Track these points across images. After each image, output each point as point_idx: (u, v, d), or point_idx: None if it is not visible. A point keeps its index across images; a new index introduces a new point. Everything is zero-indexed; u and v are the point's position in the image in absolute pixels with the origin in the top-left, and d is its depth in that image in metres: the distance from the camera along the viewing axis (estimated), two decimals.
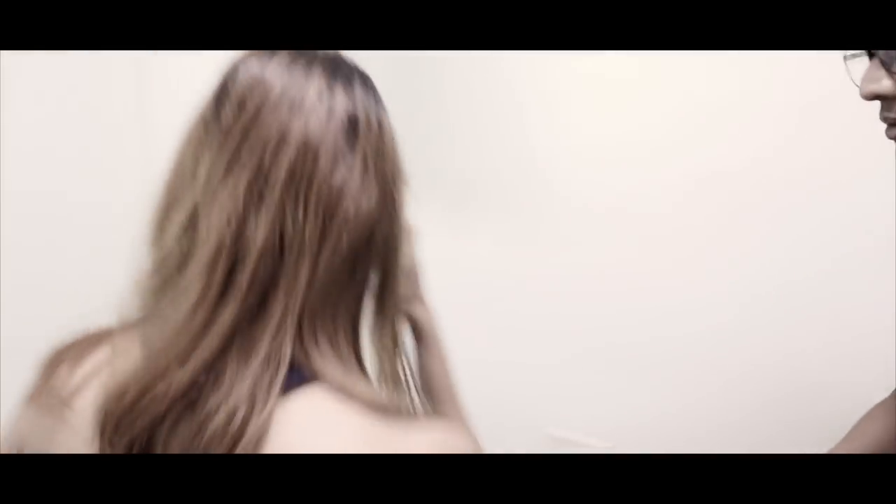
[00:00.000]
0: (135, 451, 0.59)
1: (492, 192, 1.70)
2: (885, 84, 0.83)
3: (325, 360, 0.61)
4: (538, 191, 1.68)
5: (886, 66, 0.82)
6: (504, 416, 1.50)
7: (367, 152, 0.63)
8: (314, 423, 0.60)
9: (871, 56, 0.84)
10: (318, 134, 0.61)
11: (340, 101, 0.63)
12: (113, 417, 0.59)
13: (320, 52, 0.66)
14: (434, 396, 0.86)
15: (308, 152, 0.60)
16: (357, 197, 0.61)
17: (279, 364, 0.59)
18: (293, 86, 0.62)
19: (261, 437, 0.57)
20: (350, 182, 0.61)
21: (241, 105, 0.62)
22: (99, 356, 0.66)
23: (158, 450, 0.58)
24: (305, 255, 0.60)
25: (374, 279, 0.66)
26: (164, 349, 0.60)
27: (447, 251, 1.49)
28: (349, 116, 0.62)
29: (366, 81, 0.67)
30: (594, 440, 1.50)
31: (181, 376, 0.58)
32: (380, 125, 0.65)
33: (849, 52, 0.86)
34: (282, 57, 0.64)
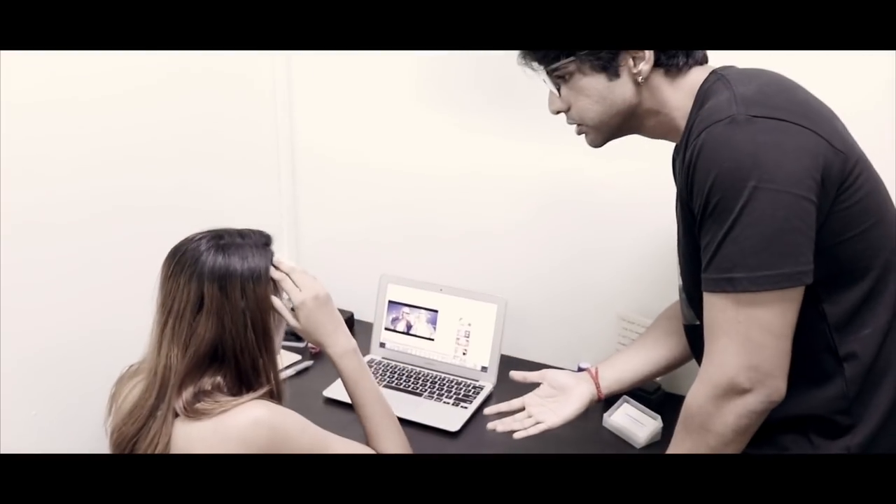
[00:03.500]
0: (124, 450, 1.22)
1: None
2: (556, 104, 1.27)
3: (182, 403, 1.18)
4: None
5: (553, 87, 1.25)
6: (584, 300, 1.95)
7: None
8: (180, 432, 1.17)
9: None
10: None
11: None
12: (114, 428, 1.24)
13: None
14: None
15: None
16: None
17: (168, 413, 1.18)
18: None
19: (166, 443, 1.17)
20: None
21: None
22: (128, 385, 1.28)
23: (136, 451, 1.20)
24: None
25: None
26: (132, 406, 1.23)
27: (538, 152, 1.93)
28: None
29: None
30: None
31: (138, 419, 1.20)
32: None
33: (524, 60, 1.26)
34: None
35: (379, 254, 2.22)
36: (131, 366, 1.30)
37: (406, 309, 2.00)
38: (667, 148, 1.39)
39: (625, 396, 1.79)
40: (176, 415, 1.19)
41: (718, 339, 1.09)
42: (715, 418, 1.10)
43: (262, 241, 1.30)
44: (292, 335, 2.01)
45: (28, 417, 1.57)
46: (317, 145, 2.24)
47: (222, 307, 1.21)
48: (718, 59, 1.25)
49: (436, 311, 1.97)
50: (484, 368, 1.92)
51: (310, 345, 2.06)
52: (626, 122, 1.25)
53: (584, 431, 1.76)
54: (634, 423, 1.72)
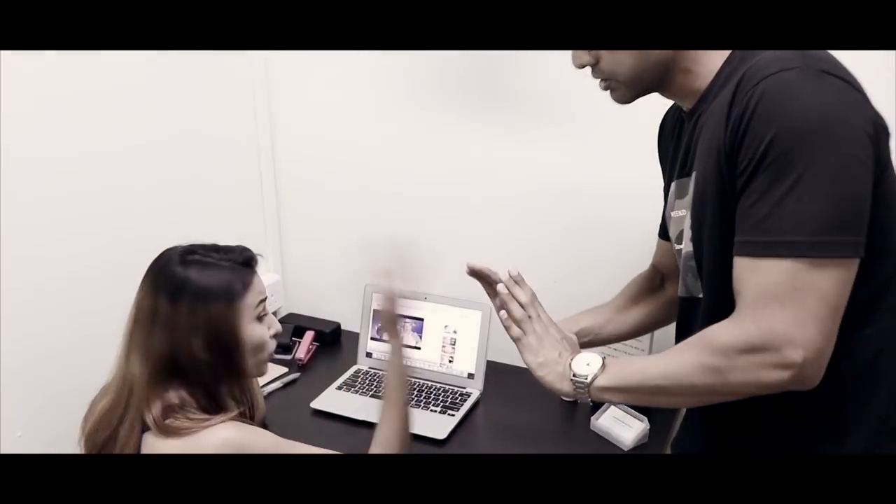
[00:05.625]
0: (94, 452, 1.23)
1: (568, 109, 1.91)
2: (584, 57, 1.18)
3: (152, 417, 1.17)
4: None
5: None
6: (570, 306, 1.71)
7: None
8: (150, 448, 1.18)
9: None
10: None
11: None
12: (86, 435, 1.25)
13: None
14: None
15: None
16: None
17: (136, 422, 1.19)
18: None
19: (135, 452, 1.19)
20: None
21: None
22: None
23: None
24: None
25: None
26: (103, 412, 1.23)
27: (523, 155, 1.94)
28: None
29: None
30: None
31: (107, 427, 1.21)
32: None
33: None
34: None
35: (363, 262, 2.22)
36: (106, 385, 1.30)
37: None
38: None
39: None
40: (146, 427, 1.19)
41: (767, 305, 0.98)
42: (736, 374, 1.01)
43: (240, 260, 1.27)
44: (279, 348, 2.01)
45: (14, 439, 1.56)
46: (298, 153, 2.25)
47: (172, 322, 1.19)
48: None
49: (421, 320, 1.97)
50: (471, 375, 1.92)
51: (297, 356, 2.07)
52: (659, 77, 1.16)
53: (571, 434, 1.78)
54: (621, 425, 1.73)
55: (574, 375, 1.15)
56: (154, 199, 1.84)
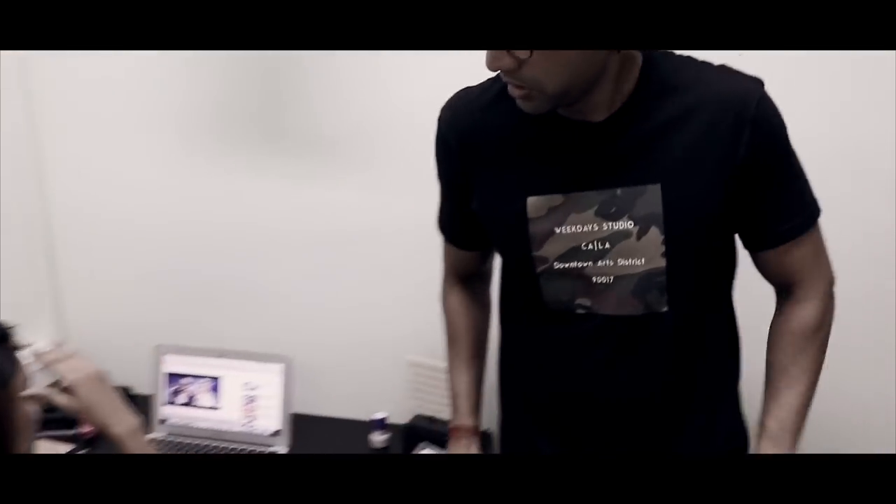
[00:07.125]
0: None
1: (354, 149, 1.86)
2: (505, 60, 1.03)
3: None
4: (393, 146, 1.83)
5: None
6: (373, 350, 1.93)
7: None
8: None
9: None
10: None
11: None
12: None
13: None
14: None
15: None
16: None
17: None
18: None
19: None
20: None
21: None
22: None
23: None
24: None
25: None
26: None
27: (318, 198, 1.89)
28: None
29: None
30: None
31: None
32: None
33: None
34: None
35: (154, 322, 2.08)
36: None
37: (187, 380, 1.88)
38: None
39: (426, 441, 1.76)
40: None
41: (820, 263, 1.23)
42: (830, 315, 1.24)
43: None
44: (62, 422, 1.83)
45: None
46: (74, 208, 2.10)
47: None
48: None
49: (217, 379, 1.86)
50: (276, 432, 1.84)
51: (82, 429, 1.89)
52: (585, 89, 1.08)
53: None
54: None
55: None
56: None
